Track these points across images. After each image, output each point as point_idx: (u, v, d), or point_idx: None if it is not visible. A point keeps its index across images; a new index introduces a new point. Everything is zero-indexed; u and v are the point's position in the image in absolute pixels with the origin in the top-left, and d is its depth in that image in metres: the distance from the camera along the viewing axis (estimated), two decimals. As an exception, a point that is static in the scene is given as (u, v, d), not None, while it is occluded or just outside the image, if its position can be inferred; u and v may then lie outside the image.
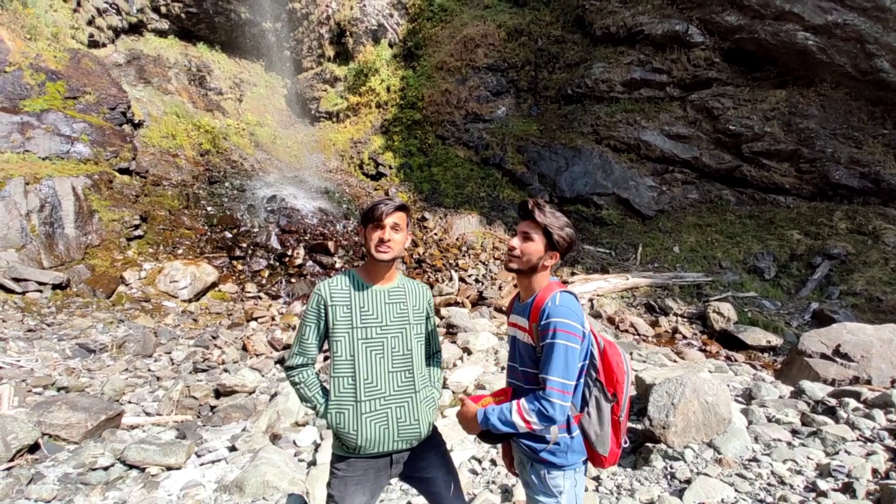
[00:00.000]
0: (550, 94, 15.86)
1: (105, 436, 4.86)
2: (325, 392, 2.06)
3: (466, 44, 16.08)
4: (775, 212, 12.73)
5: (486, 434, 1.83)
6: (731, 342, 8.90)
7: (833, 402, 4.16)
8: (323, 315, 1.98)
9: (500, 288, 10.89)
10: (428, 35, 16.81)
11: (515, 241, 1.86)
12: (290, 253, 11.50)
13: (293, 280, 10.93)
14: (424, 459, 2.05)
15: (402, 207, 2.00)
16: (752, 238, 12.18)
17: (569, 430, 1.81)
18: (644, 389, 3.93)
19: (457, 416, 1.92)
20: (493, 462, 3.89)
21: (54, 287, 8.53)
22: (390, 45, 17.05)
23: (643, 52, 14.47)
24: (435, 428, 2.14)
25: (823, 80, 12.58)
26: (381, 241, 1.94)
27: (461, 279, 11.52)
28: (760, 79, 13.42)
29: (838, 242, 11.17)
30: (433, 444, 2.10)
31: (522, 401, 1.73)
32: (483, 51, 15.99)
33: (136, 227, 10.42)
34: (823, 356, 5.74)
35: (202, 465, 4.28)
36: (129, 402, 5.85)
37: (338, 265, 11.54)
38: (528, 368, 1.85)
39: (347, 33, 16.99)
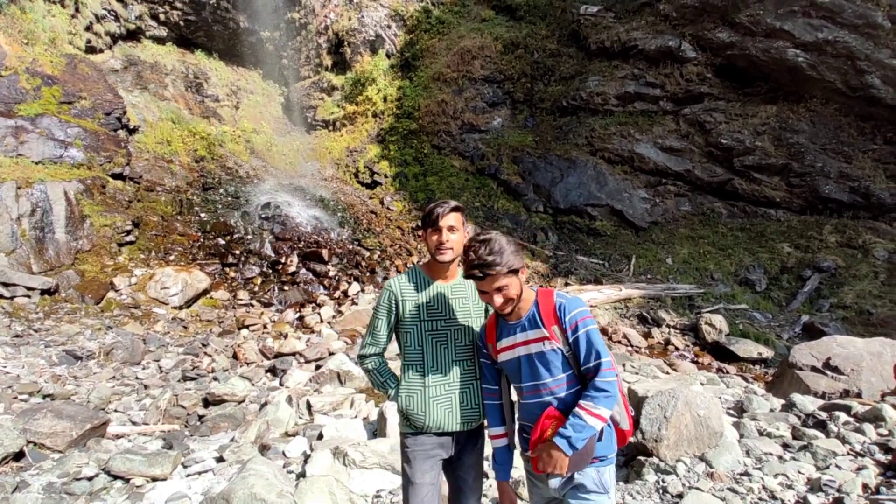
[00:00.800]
0: (546, 105, 16.01)
1: (90, 445, 4.78)
2: (395, 378, 2.27)
3: (463, 55, 16.23)
4: (766, 225, 12.86)
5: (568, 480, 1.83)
6: (722, 354, 8.93)
7: (824, 415, 4.17)
8: (394, 309, 2.17)
9: (493, 298, 10.88)
10: (425, 46, 16.96)
11: (498, 300, 1.85)
12: (283, 260, 11.44)
13: (286, 288, 10.87)
14: (471, 443, 2.20)
15: (456, 209, 2.12)
16: (743, 250, 12.28)
17: None
18: (636, 402, 3.92)
19: (539, 466, 1.85)
20: (485, 475, 3.85)
21: (43, 292, 8.42)
22: (388, 56, 17.18)
23: (637, 66, 14.66)
24: (482, 425, 2.27)
25: (813, 95, 12.79)
26: (441, 244, 2.08)
27: (455, 289, 11.48)
28: (751, 94, 13.63)
29: (828, 256, 11.28)
30: (482, 434, 2.26)
31: (581, 402, 1.78)
32: (480, 62, 16.14)
33: (128, 232, 10.34)
34: (814, 369, 5.76)
35: (188, 476, 4.21)
36: (116, 411, 5.76)
37: (331, 273, 11.50)
38: (563, 374, 1.87)
39: (345, 43, 17.11)
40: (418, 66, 16.87)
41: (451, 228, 2.09)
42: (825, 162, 12.46)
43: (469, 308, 2.20)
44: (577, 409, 1.78)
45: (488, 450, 2.18)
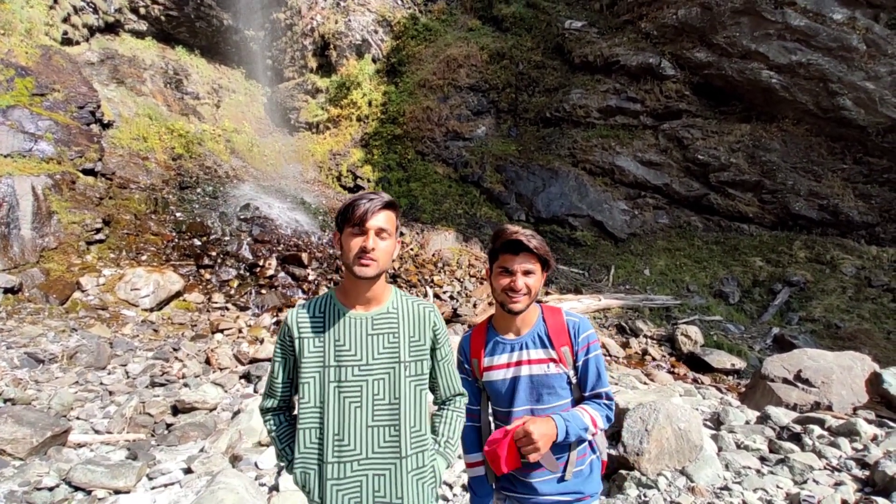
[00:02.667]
0: (529, 116, 16.18)
1: (51, 454, 4.54)
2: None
3: (449, 63, 16.29)
4: (739, 239, 13.22)
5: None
6: (697, 364, 9.07)
7: (798, 428, 4.24)
8: (290, 350, 1.57)
9: (474, 305, 10.85)
10: (412, 53, 16.97)
11: (520, 282, 1.67)
12: (261, 263, 11.18)
13: (263, 291, 10.61)
14: None
15: (389, 205, 1.54)
16: (717, 263, 12.58)
17: (593, 450, 1.82)
18: (618, 414, 3.92)
19: (532, 430, 1.58)
20: (465, 487, 3.78)
21: (6, 291, 8.02)
22: (374, 61, 17.12)
23: (619, 81, 14.97)
24: None
25: (786, 116, 13.25)
26: (364, 252, 1.47)
27: (436, 295, 11.43)
28: (727, 112, 14.05)
29: (798, 270, 11.64)
30: None
31: (591, 410, 1.71)
32: (465, 71, 16.23)
33: (98, 230, 9.95)
34: (785, 381, 5.88)
35: (153, 488, 4.01)
36: (78, 419, 5.50)
37: (311, 277, 11.29)
38: (564, 400, 1.72)
39: (331, 46, 16.98)
40: (404, 72, 16.86)
41: (380, 232, 1.50)
42: (796, 180, 12.90)
43: (400, 347, 1.54)
44: (583, 409, 1.69)
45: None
